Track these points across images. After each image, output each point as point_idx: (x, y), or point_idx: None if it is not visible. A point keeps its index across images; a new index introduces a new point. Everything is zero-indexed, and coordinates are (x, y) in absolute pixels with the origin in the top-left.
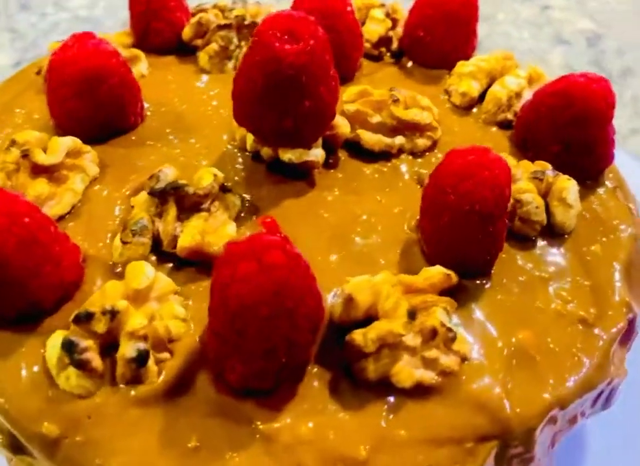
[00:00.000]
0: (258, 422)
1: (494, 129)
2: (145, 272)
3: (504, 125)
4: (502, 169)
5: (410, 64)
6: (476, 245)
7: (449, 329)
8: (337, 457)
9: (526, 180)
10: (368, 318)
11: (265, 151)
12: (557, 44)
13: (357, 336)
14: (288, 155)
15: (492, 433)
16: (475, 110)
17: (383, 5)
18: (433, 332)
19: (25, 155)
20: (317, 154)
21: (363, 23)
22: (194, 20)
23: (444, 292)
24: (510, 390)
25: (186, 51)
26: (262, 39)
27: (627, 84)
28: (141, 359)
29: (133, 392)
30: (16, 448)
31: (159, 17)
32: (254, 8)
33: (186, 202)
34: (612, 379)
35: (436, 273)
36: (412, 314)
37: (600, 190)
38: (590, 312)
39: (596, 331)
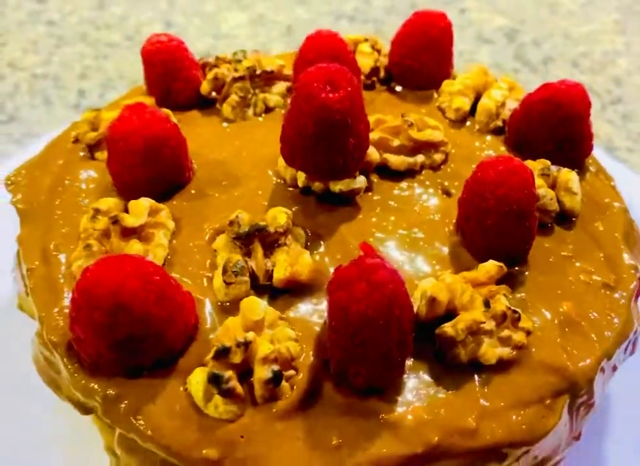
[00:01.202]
0: (383, 415)
1: (489, 137)
2: (260, 305)
3: (496, 131)
4: (527, 173)
5: (399, 88)
6: (516, 238)
7: (515, 311)
8: (454, 429)
9: (537, 177)
10: (448, 313)
11: (317, 186)
12: (481, 43)
13: (448, 329)
14: (339, 186)
15: (563, 388)
16: (468, 123)
17: (367, 39)
18: (503, 316)
19: (115, 221)
20: (360, 181)
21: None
22: (210, 76)
23: (498, 282)
24: (569, 352)
25: (205, 104)
26: (309, 91)
27: (548, 70)
28: (277, 379)
29: (274, 409)
30: None
31: (178, 77)
32: (255, 57)
33: (267, 240)
34: (636, 329)
35: (492, 266)
36: (487, 303)
37: (587, 176)
38: (610, 278)
39: (617, 293)
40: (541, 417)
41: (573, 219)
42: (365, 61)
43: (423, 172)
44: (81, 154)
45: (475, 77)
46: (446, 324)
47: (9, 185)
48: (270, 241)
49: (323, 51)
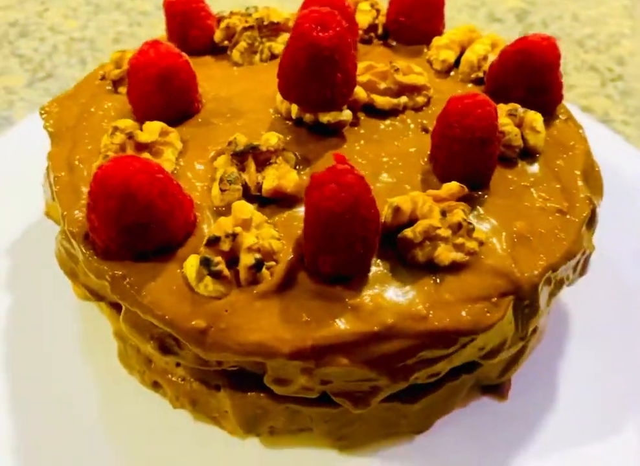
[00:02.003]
0: (347, 299)
1: (470, 85)
2: (247, 206)
3: (477, 81)
4: (490, 106)
5: (394, 43)
6: (479, 164)
7: (469, 223)
8: (407, 314)
9: (504, 117)
10: (410, 222)
11: (308, 117)
12: (491, 22)
13: (408, 232)
14: (327, 118)
15: (509, 290)
16: (452, 73)
17: None
18: (459, 225)
19: (130, 136)
20: (347, 114)
21: (354, 14)
22: (222, 25)
23: (459, 201)
24: (517, 261)
25: (217, 51)
26: (302, 30)
27: None
28: (258, 265)
29: (255, 291)
30: (165, 349)
31: (194, 26)
32: (265, 11)
33: (260, 158)
34: (584, 251)
35: (454, 186)
36: (443, 213)
37: (556, 122)
38: (564, 205)
39: (569, 217)
40: (486, 312)
41: (536, 155)
42: (364, 18)
43: (406, 112)
44: (107, 88)
45: (461, 33)
46: (407, 229)
47: (42, 114)
48: (262, 159)
49: (323, 4)
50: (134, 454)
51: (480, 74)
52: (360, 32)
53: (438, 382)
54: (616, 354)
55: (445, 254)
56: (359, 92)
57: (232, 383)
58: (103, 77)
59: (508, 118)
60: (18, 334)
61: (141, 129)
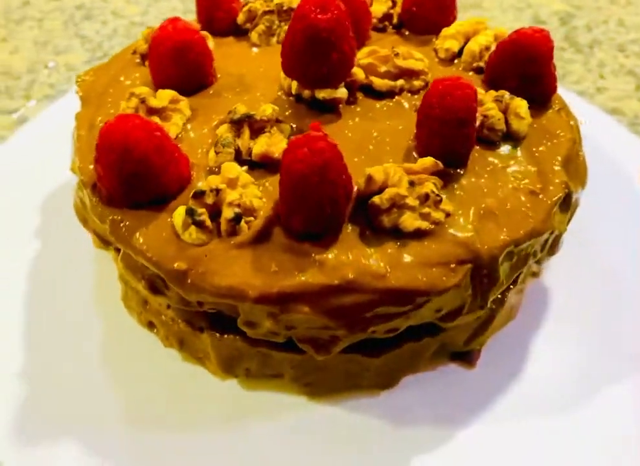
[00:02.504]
0: (314, 254)
1: (471, 73)
2: (235, 167)
3: (478, 70)
4: (470, 88)
5: (407, 33)
6: (456, 143)
7: (437, 195)
8: (367, 271)
9: (490, 102)
10: (381, 190)
11: (306, 93)
12: (534, 24)
13: (376, 199)
14: (322, 94)
15: (467, 259)
16: (456, 62)
17: None
18: (426, 196)
19: (143, 100)
20: (342, 92)
21: (371, 4)
22: (245, 9)
23: (435, 175)
24: (479, 233)
25: (240, 33)
26: (302, 12)
27: (593, 52)
28: (237, 218)
29: (232, 241)
30: (155, 289)
31: (220, 8)
32: None
33: (255, 126)
34: (553, 231)
35: (428, 161)
36: (411, 183)
37: (549, 111)
38: (537, 187)
39: (541, 197)
40: (442, 276)
41: (519, 140)
42: (379, 8)
43: (402, 94)
44: (136, 61)
45: (467, 25)
46: (376, 196)
47: (78, 81)
48: (257, 128)
49: None
50: (127, 385)
51: (482, 64)
52: (374, 20)
53: (400, 340)
54: (591, 336)
55: (409, 221)
56: (358, 73)
57: (213, 325)
58: (134, 52)
59: (494, 103)
60: (42, 277)
61: (155, 97)
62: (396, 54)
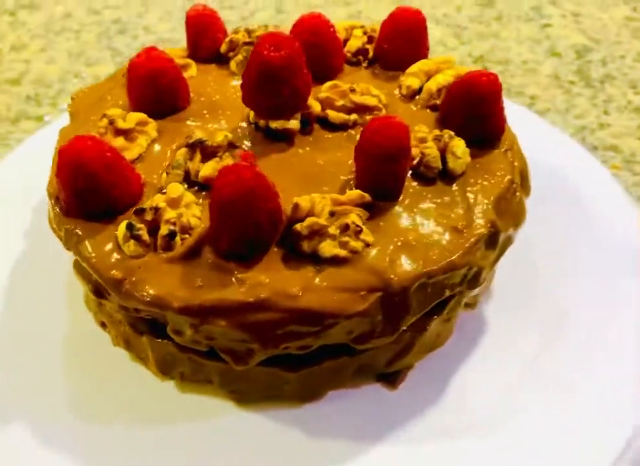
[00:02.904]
0: (236, 273)
1: (427, 111)
2: (179, 188)
3: (433, 108)
4: (401, 128)
5: (377, 68)
6: (384, 178)
7: (357, 226)
8: (281, 292)
9: (430, 141)
10: (306, 218)
11: (262, 122)
12: (549, 56)
13: (298, 226)
14: (275, 124)
15: (378, 287)
16: (417, 98)
17: (363, 26)
18: (347, 227)
19: (111, 122)
20: (294, 123)
21: (349, 38)
22: (227, 39)
23: (362, 206)
24: (394, 264)
25: (222, 61)
26: (258, 49)
27: (604, 87)
28: (171, 235)
29: (165, 255)
30: (99, 294)
31: (206, 36)
32: (271, 30)
33: (206, 151)
34: (471, 267)
35: (354, 193)
36: (332, 213)
37: (495, 152)
38: (461, 224)
39: (463, 233)
40: (352, 302)
41: (455, 178)
42: (354, 42)
43: (355, 128)
44: (123, 83)
45: (431, 64)
46: (298, 223)
47: (72, 98)
48: (209, 152)
49: (307, 27)
50: (78, 378)
51: (438, 102)
52: (348, 54)
53: (318, 358)
54: (521, 368)
55: (328, 248)
56: (314, 106)
57: (150, 329)
58: (124, 74)
59: (433, 142)
60: (22, 271)
61: (124, 119)
62: (352, 90)
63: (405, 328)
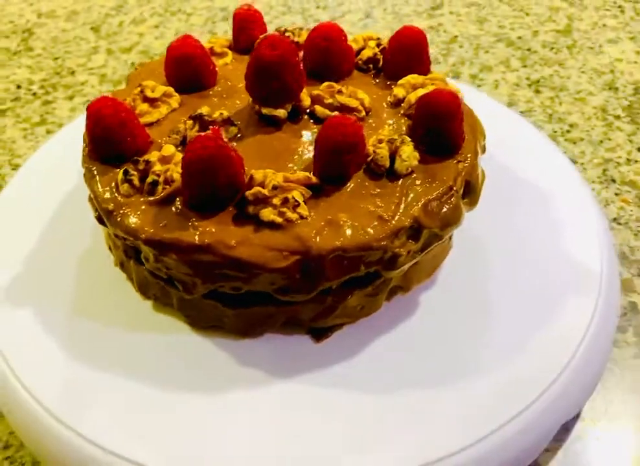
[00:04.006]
0: (194, 220)
1: (404, 119)
2: (171, 148)
3: (409, 117)
4: (350, 127)
5: (381, 77)
6: (332, 166)
7: (296, 200)
8: (221, 241)
9: (385, 143)
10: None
11: (256, 107)
12: (605, 89)
13: (247, 192)
14: (264, 111)
15: (299, 250)
16: (401, 106)
17: (379, 38)
18: (285, 199)
19: (142, 90)
20: (280, 112)
21: (363, 49)
22: (261, 36)
23: (308, 186)
24: (318, 235)
25: None
26: (257, 47)
27: None
28: (154, 183)
29: (147, 199)
30: (101, 220)
31: (243, 32)
32: (306, 32)
33: (204, 124)
34: (387, 251)
35: (302, 174)
36: (275, 187)
37: (448, 161)
38: (387, 214)
39: (387, 223)
40: (275, 259)
41: (400, 177)
42: (367, 52)
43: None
44: None
45: (420, 78)
46: (249, 191)
47: (135, 69)
48: (206, 125)
49: (320, 33)
50: (84, 288)
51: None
52: (360, 62)
53: (250, 301)
54: (437, 355)
55: (266, 213)
56: (305, 100)
57: (135, 256)
58: None
59: (386, 144)
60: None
61: (154, 89)
62: (339, 91)
63: (325, 291)
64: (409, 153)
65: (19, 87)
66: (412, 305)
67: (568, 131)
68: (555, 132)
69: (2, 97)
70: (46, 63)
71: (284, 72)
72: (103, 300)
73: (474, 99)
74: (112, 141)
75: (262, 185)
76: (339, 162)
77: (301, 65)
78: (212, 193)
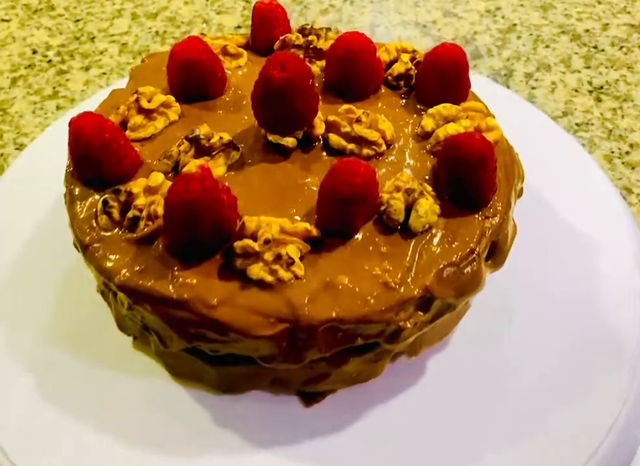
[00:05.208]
0: (175, 269)
1: (430, 157)
2: (158, 177)
3: (437, 155)
4: (359, 175)
5: (412, 98)
6: (336, 218)
7: (290, 257)
8: (200, 297)
9: (401, 192)
10: (253, 237)
11: (262, 131)
12: None
13: (235, 244)
14: (271, 138)
15: (288, 319)
16: (429, 140)
17: (414, 51)
18: (279, 256)
19: (137, 99)
20: (288, 141)
21: (395, 61)
22: (282, 37)
23: (309, 239)
24: (312, 302)
25: None
26: (265, 67)
27: None
28: (135, 219)
29: (126, 236)
30: (77, 247)
31: (263, 31)
32: (333, 34)
33: (201, 148)
34: (390, 324)
35: (301, 226)
36: (267, 241)
37: (472, 216)
38: (394, 281)
39: (393, 291)
40: (260, 325)
41: (414, 235)
42: (399, 66)
43: (350, 157)
44: None
45: (452, 109)
46: (238, 242)
47: (143, 61)
48: (203, 149)
49: (343, 45)
50: (66, 318)
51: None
52: (390, 77)
53: (232, 360)
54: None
55: (256, 270)
56: (319, 127)
57: (114, 291)
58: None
59: (402, 195)
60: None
61: (151, 98)
62: (358, 120)
63: (317, 358)
64: (427, 208)
65: (34, 51)
66: (419, 370)
67: (627, 153)
68: (612, 152)
69: (16, 62)
70: (66, 25)
71: (293, 97)
72: (80, 328)
73: (519, 111)
74: (93, 163)
75: (255, 236)
76: (345, 215)
77: (315, 87)
78: (194, 241)
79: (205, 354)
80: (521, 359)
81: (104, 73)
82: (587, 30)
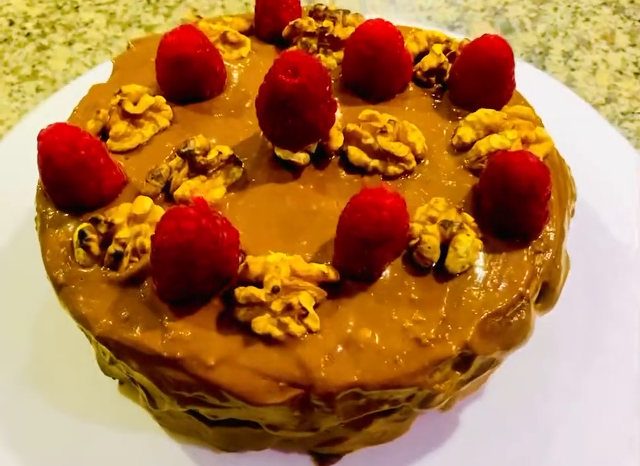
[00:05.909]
0: (165, 317)
1: (470, 174)
2: (145, 203)
3: (477, 173)
4: (391, 211)
5: (445, 99)
6: (358, 261)
7: (304, 308)
8: (196, 356)
9: (436, 225)
10: (256, 282)
11: (269, 145)
12: None
13: (236, 291)
14: (279, 153)
15: (301, 383)
16: (466, 153)
17: (448, 41)
18: (289, 306)
19: (119, 103)
20: (300, 157)
21: (425, 53)
22: (292, 23)
23: (324, 284)
24: (331, 363)
25: (283, 43)
26: (273, 70)
27: None
28: (117, 256)
29: (107, 274)
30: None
31: (269, 14)
32: (352, 18)
33: (196, 166)
34: (422, 388)
35: (316, 268)
36: (275, 289)
37: (521, 251)
38: (428, 336)
39: (426, 348)
40: (267, 391)
41: (451, 277)
42: (430, 59)
43: (373, 176)
44: None
45: (494, 116)
46: (238, 288)
47: (128, 48)
48: (199, 167)
49: (365, 37)
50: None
51: (484, 167)
52: (419, 73)
53: (232, 420)
54: None
55: (262, 323)
56: (335, 140)
57: None
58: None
59: (437, 228)
60: None
61: (137, 101)
62: (383, 131)
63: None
64: (468, 247)
65: (11, 23)
66: (451, 425)
67: None
68: None
69: None
70: None
71: (307, 107)
72: (61, 367)
73: (559, 99)
74: (68, 188)
75: (260, 280)
76: (368, 257)
77: (332, 93)
78: (189, 286)
79: (204, 418)
80: (566, 414)
81: (89, 49)
82: (632, 1)
